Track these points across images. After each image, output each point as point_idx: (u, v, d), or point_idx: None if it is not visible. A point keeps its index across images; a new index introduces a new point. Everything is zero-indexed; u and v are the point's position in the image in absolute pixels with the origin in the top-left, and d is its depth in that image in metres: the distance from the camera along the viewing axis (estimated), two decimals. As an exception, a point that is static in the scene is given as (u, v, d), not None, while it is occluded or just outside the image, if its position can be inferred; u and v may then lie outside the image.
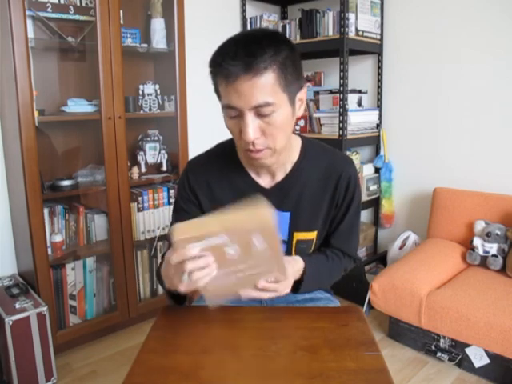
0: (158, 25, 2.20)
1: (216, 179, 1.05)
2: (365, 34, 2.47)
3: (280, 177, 1.03)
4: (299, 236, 1.06)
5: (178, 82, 2.22)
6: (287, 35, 2.63)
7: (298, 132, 2.14)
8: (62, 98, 2.05)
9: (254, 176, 1.04)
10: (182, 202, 1.08)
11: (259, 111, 0.84)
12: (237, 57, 0.80)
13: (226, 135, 1.13)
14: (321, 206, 1.05)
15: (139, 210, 2.23)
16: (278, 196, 1.03)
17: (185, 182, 1.07)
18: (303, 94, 0.93)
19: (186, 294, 0.88)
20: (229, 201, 1.04)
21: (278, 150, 0.91)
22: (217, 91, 0.91)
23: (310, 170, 1.04)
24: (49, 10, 1.84)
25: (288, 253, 1.08)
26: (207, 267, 0.75)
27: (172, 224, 1.14)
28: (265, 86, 0.82)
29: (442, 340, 1.93)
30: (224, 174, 1.05)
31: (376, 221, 2.84)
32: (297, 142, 1.05)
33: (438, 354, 1.94)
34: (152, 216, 2.29)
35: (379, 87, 2.68)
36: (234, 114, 0.87)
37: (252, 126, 0.85)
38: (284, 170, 1.03)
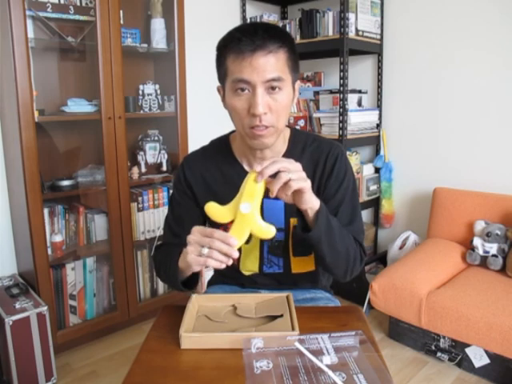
0: (158, 25, 2.20)
1: (211, 172, 1.09)
2: (365, 34, 2.47)
3: None
4: (295, 221, 1.07)
5: (178, 82, 2.22)
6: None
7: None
8: (62, 98, 2.05)
9: (247, 168, 1.07)
10: (177, 194, 1.12)
11: (271, 85, 0.91)
12: (257, 33, 0.88)
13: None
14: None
15: (139, 210, 2.24)
16: None
17: (180, 175, 1.11)
18: (297, 86, 1.01)
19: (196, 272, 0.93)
20: (223, 193, 1.06)
21: (279, 129, 0.96)
22: (223, 70, 0.95)
23: (300, 157, 1.05)
24: (49, 10, 1.84)
25: (286, 239, 1.09)
26: (227, 257, 0.80)
27: (167, 216, 1.16)
28: (278, 62, 0.91)
29: (442, 340, 1.93)
30: (218, 168, 1.08)
31: (376, 221, 2.84)
32: (287, 133, 1.09)
33: (438, 354, 1.94)
34: (152, 216, 2.29)
35: (379, 87, 2.68)
36: (244, 88, 0.91)
37: (262, 101, 0.90)
38: None
